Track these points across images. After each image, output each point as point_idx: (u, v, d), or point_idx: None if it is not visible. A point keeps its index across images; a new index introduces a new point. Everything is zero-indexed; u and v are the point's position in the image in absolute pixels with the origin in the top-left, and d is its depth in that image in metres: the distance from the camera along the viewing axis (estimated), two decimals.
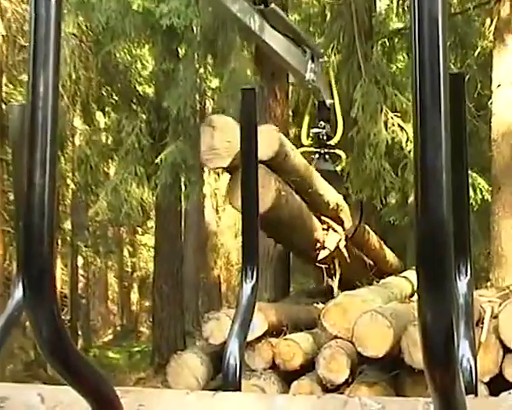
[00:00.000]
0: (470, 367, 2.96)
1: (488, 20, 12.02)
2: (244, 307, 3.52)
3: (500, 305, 5.65)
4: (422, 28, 1.86)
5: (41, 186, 1.60)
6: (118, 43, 14.70)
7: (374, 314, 5.11)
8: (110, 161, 18.42)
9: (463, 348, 3.12)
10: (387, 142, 11.50)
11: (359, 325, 4.50)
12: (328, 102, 5.82)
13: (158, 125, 14.34)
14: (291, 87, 14.24)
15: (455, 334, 1.82)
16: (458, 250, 3.26)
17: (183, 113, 12.15)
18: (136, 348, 25.43)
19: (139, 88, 18.26)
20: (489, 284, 9.97)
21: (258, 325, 5.69)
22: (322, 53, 5.71)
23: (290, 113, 14.51)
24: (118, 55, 16.21)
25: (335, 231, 8.67)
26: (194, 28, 11.26)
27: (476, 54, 13.24)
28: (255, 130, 3.13)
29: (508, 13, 10.74)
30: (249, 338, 3.54)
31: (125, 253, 34.59)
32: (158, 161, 12.26)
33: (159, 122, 14.28)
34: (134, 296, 36.43)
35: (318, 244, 8.58)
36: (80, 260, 29.06)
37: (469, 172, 3.67)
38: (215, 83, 15.88)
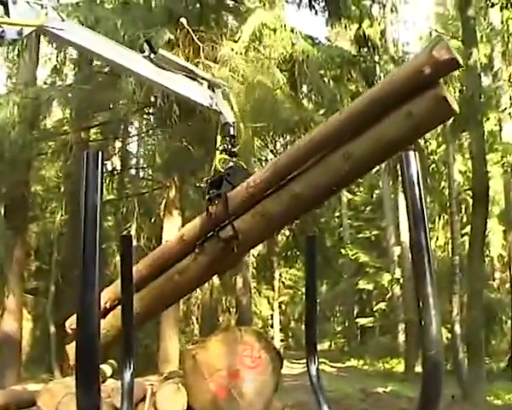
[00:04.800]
0: None
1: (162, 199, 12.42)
2: None
3: (158, 386, 5.55)
4: (87, 213, 1.82)
5: None
6: None
7: (71, 396, 4.77)
8: None
9: None
10: None
11: (62, 403, 4.14)
12: (231, 121, 4.60)
13: None
14: None
15: None
16: (125, 351, 3.13)
17: None
18: None
19: None
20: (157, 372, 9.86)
21: None
22: (219, 83, 4.59)
23: None
24: None
25: None
26: None
27: (153, 220, 13.84)
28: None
29: (173, 195, 11.12)
30: None
31: None
32: None
33: None
34: None
35: None
36: None
37: None
38: None
